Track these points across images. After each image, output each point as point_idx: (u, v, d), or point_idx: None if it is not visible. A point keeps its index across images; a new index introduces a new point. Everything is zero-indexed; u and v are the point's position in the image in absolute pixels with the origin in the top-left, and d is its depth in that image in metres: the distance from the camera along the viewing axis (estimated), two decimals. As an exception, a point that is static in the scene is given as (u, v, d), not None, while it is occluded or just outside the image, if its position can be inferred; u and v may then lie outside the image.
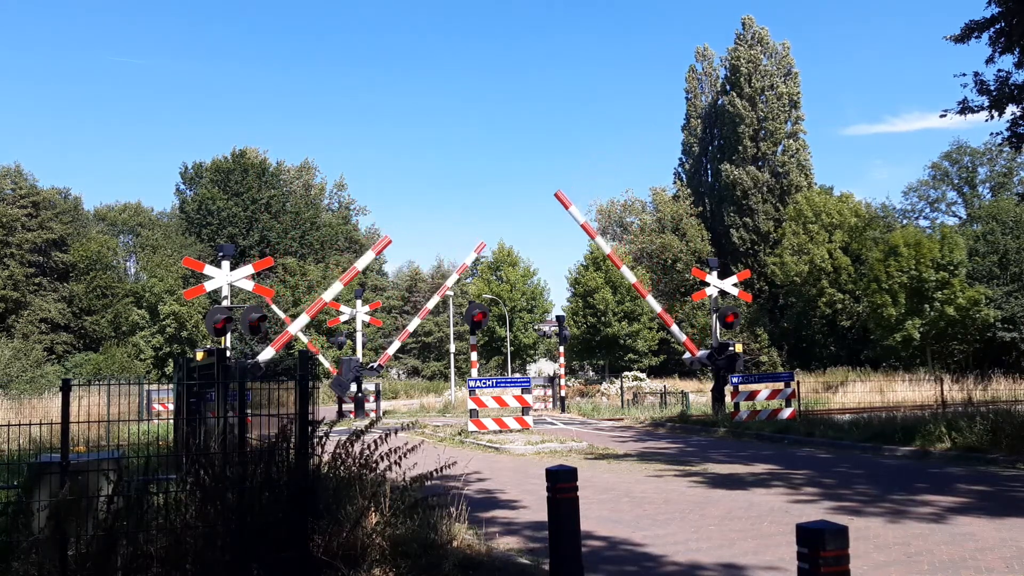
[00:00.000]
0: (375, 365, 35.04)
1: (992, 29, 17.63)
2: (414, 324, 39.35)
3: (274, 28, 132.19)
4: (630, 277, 30.36)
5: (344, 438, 7.09)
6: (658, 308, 30.40)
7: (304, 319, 27.14)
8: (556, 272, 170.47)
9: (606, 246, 30.52)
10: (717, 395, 26.65)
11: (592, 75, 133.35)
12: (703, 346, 55.16)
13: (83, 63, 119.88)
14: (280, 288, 59.09)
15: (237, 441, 6.71)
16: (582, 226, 28.25)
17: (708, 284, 27.05)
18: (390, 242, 31.56)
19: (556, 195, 27.03)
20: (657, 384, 42.93)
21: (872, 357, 50.26)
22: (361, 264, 30.11)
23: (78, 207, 64.54)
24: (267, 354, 25.16)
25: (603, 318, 55.42)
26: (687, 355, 28.84)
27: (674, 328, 29.43)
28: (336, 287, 28.39)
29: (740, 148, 64.72)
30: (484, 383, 21.17)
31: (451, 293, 47.13)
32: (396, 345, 38.47)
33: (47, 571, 5.55)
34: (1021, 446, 14.02)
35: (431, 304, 39.52)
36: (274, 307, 41.22)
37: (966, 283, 45.72)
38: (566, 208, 27.11)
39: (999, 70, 18.26)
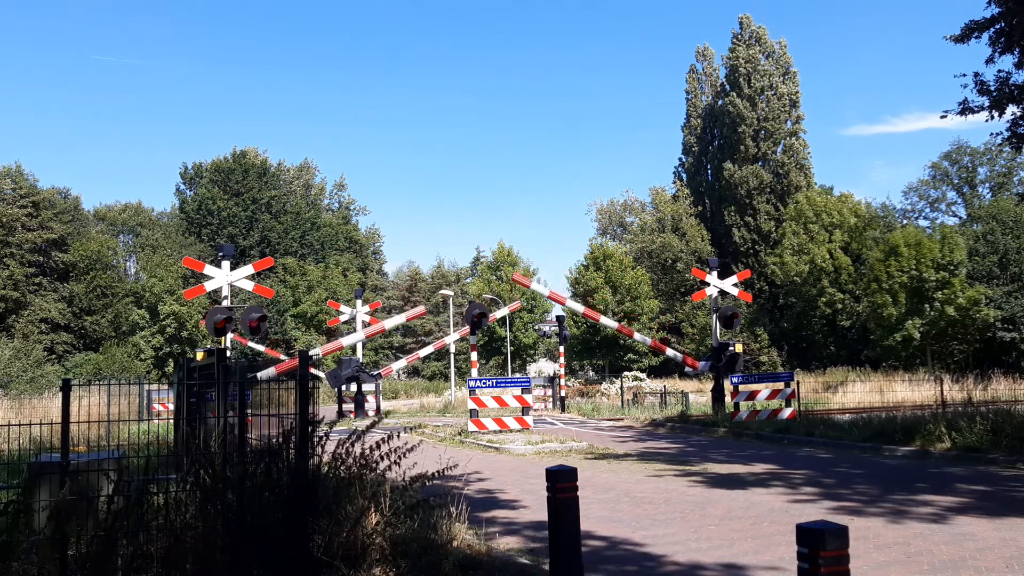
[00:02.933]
0: (377, 373, 35.15)
1: (992, 29, 17.65)
2: (426, 352, 39.66)
3: (274, 28, 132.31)
4: (611, 324, 31.03)
5: (344, 438, 7.10)
6: (648, 341, 31.10)
7: (317, 352, 27.38)
8: (556, 272, 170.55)
9: (579, 306, 31.28)
10: (717, 395, 26.65)
11: (592, 75, 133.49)
12: (703, 346, 55.39)
13: (83, 63, 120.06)
14: (280, 288, 59.09)
15: (237, 441, 6.71)
16: (549, 296, 28.96)
17: (708, 284, 27.05)
18: (424, 313, 32.39)
19: (513, 279, 27.35)
20: (657, 384, 42.92)
21: (872, 357, 50.25)
22: (389, 324, 30.94)
23: (78, 207, 64.59)
24: (268, 373, 25.17)
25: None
26: (688, 369, 29.12)
27: (669, 352, 29.95)
28: (358, 335, 28.81)
29: (741, 148, 64.74)
30: (484, 383, 21.16)
31: (454, 294, 47.17)
32: (402, 363, 38.82)
33: (47, 571, 5.55)
34: (1021, 446, 14.02)
35: (450, 340, 39.68)
36: (259, 346, 40.95)
37: (966, 283, 45.70)
38: (527, 287, 27.43)
39: (999, 70, 18.30)
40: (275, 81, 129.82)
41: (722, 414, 24.23)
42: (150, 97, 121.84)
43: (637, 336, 31.17)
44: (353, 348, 37.94)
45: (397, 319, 30.90)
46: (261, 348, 41.47)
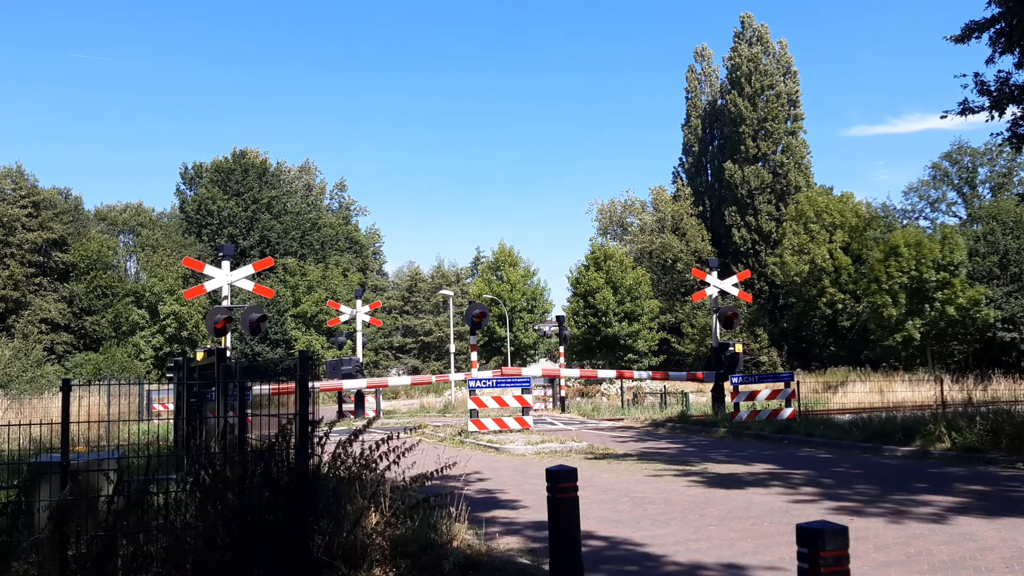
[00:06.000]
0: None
1: (992, 29, 17.63)
2: (428, 379, 40.01)
3: (274, 28, 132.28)
4: (610, 375, 32.39)
5: (344, 438, 7.09)
6: (650, 375, 32.54)
7: (317, 386, 27.79)
8: (556, 272, 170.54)
9: (574, 372, 32.65)
10: (717, 395, 26.64)
11: (592, 75, 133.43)
12: (703, 346, 55.39)
13: (83, 63, 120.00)
14: (280, 288, 59.09)
15: (237, 441, 6.71)
16: (543, 374, 30.96)
17: (708, 284, 27.05)
18: (430, 382, 35.25)
19: (503, 372, 28.80)
20: (657, 384, 42.92)
21: (872, 357, 50.25)
22: (392, 382, 34.71)
23: (78, 207, 64.55)
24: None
25: (603, 318, 55.39)
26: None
27: (673, 375, 31.09)
28: (360, 382, 29.31)
29: (742, 148, 64.67)
30: (484, 383, 21.15)
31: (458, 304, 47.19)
32: (406, 380, 39.21)
33: (47, 571, 5.56)
34: (1021, 446, 14.02)
35: (453, 378, 39.52)
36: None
37: (966, 283, 45.72)
38: (520, 375, 28.25)
39: (999, 70, 18.27)
40: (275, 81, 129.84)
41: (722, 414, 24.23)
42: (150, 97, 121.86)
43: (637, 375, 32.51)
44: (353, 348, 37.94)
45: (404, 379, 32.41)
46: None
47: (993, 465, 13.66)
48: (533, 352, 61.66)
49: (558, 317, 38.89)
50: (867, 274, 49.75)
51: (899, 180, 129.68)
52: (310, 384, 6.13)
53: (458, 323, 54.81)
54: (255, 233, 68.22)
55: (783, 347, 60.20)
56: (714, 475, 13.28)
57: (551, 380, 37.01)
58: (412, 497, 7.19)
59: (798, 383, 23.61)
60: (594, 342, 56.34)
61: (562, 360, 36.14)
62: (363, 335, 36.68)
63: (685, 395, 34.72)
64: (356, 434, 7.05)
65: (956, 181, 64.88)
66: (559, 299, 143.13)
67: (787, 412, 22.38)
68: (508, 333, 53.88)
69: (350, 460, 6.92)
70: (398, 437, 7.29)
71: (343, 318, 37.55)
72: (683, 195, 70.06)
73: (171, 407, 21.28)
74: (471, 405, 20.71)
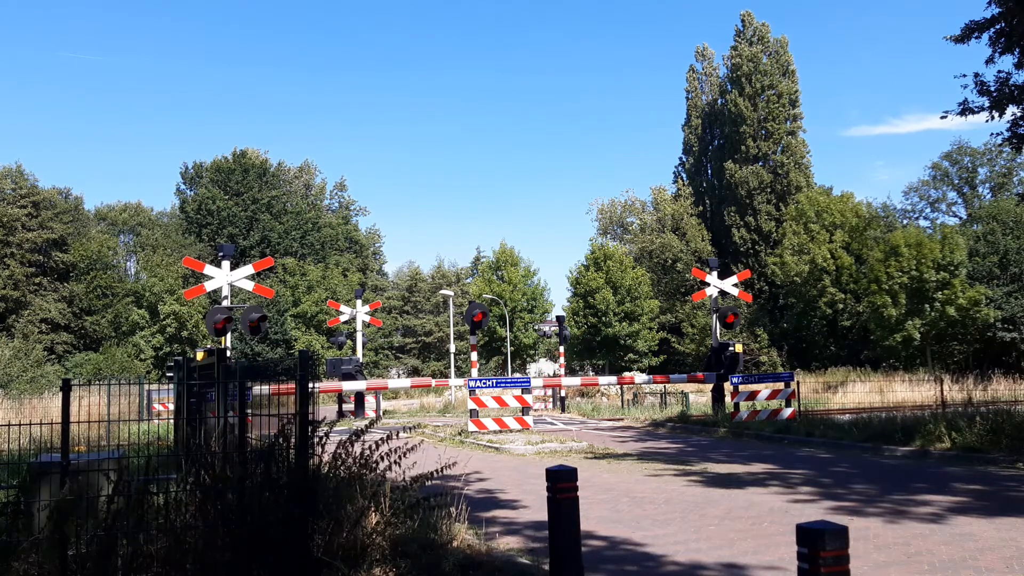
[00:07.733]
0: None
1: (992, 29, 17.63)
2: (427, 381, 40.15)
3: (274, 28, 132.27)
4: (610, 380, 32.92)
5: (344, 438, 7.10)
6: (651, 379, 32.26)
7: (318, 387, 28.02)
8: (556, 272, 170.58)
9: (575, 380, 32.71)
10: (717, 395, 26.65)
11: (592, 75, 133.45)
12: (703, 346, 55.42)
13: (83, 63, 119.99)
14: (280, 288, 59.09)
15: (237, 441, 6.71)
16: (545, 385, 30.73)
17: (708, 284, 27.06)
18: (430, 385, 35.51)
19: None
20: (657, 384, 42.89)
21: (872, 357, 50.23)
22: (392, 383, 35.49)
23: (78, 207, 64.56)
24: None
25: (603, 318, 55.39)
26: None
27: (674, 378, 31.89)
28: (360, 384, 29.41)
29: (743, 148, 64.64)
30: (484, 383, 21.14)
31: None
32: (403, 383, 39.34)
33: (47, 571, 5.55)
34: (1021, 446, 14.03)
35: (452, 384, 39.80)
36: None
37: (966, 283, 45.71)
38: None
39: (999, 71, 18.29)
40: (275, 81, 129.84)
41: (722, 414, 24.23)
42: (150, 97, 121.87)
43: (638, 379, 32.55)
44: (353, 348, 37.97)
45: (403, 382, 32.75)
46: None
47: (993, 465, 13.66)
48: (533, 352, 61.67)
49: (558, 317, 38.88)
50: (867, 274, 49.74)
51: (899, 180, 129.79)
52: (310, 384, 6.13)
53: (458, 323, 54.81)
54: (255, 233, 68.22)
55: (783, 347, 60.19)
56: (714, 475, 13.28)
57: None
58: (412, 497, 7.19)
59: (798, 383, 23.60)
60: (594, 342, 56.34)
61: (562, 360, 36.15)
62: (363, 335, 36.67)
63: (685, 395, 34.72)
64: (357, 434, 7.06)
65: (956, 181, 64.88)
66: (559, 299, 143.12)
67: (787, 412, 22.38)
68: (508, 333, 53.86)
69: (350, 460, 6.92)
70: (398, 437, 7.30)
71: (343, 318, 37.55)
72: (683, 195, 70.07)
73: (171, 407, 21.28)
74: (471, 405, 20.70)
